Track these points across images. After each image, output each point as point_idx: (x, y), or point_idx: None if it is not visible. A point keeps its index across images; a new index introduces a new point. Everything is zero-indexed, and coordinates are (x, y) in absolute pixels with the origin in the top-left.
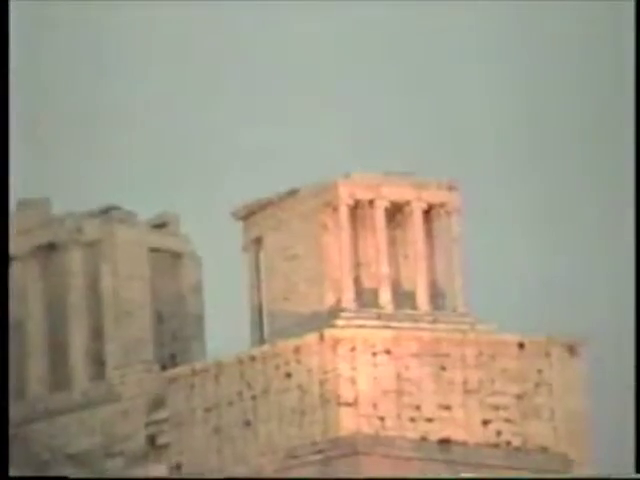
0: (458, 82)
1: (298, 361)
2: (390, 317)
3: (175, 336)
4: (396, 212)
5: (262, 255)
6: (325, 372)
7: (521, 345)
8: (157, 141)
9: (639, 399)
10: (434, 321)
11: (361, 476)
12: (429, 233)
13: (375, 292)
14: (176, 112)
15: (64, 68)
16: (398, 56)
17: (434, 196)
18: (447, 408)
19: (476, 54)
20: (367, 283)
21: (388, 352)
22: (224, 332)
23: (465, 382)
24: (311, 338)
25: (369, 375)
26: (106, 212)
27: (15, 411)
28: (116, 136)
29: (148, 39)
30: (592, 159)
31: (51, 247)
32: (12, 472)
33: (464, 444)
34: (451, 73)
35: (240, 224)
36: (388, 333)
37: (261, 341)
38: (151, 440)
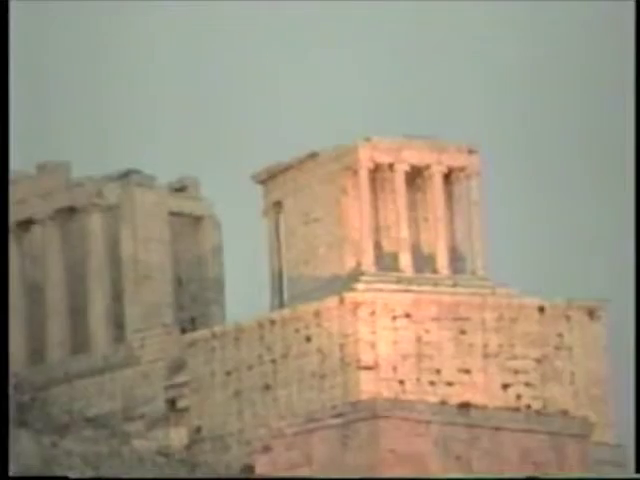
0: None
1: (318, 325)
2: (410, 281)
3: (195, 300)
4: (416, 176)
5: (282, 219)
6: (345, 336)
7: (541, 309)
8: (177, 105)
9: (639, 399)
10: (454, 285)
11: (380, 442)
12: (449, 197)
13: (395, 256)
14: (196, 76)
15: (83, 28)
16: (418, 18)
17: (454, 159)
18: (467, 372)
19: (495, 23)
20: (387, 247)
21: (408, 316)
22: (244, 296)
23: (485, 346)
24: (331, 302)
25: (389, 339)
26: (126, 176)
27: (35, 375)
28: (136, 100)
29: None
30: (597, 135)
31: (71, 211)
32: (32, 435)
33: (484, 408)
34: (471, 36)
35: (260, 188)
36: (408, 297)
37: (281, 305)
38: (171, 403)
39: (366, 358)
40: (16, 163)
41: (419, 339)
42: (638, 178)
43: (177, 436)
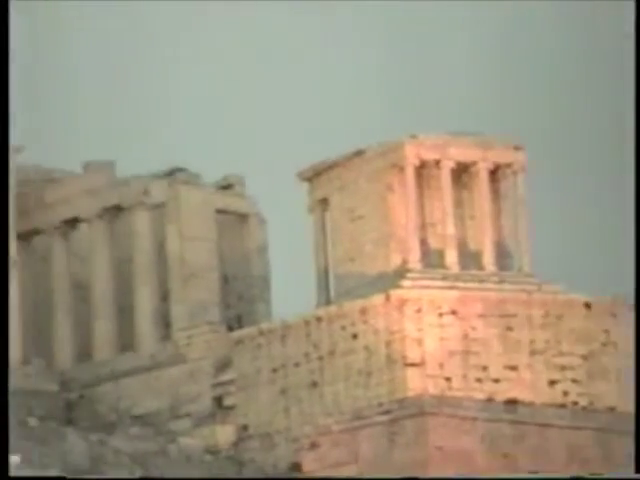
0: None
1: (364, 322)
2: (456, 278)
3: (241, 297)
4: (462, 172)
5: (328, 216)
6: (391, 333)
7: (587, 305)
8: (223, 102)
9: (639, 399)
10: (500, 282)
11: (426, 439)
12: (495, 193)
13: (441, 253)
14: (242, 73)
15: (118, 22)
16: (464, 14)
17: (500, 156)
18: (514, 368)
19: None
20: (433, 244)
21: (454, 313)
22: (290, 293)
23: (532, 342)
24: (377, 299)
25: (435, 336)
26: (172, 174)
27: (82, 373)
28: (180, 98)
29: None
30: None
31: (117, 209)
32: (79, 433)
33: (530, 404)
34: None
35: (306, 185)
36: (454, 294)
37: (327, 302)
38: (218, 401)
39: (413, 355)
40: (63, 162)
41: (465, 336)
42: None
43: (224, 434)
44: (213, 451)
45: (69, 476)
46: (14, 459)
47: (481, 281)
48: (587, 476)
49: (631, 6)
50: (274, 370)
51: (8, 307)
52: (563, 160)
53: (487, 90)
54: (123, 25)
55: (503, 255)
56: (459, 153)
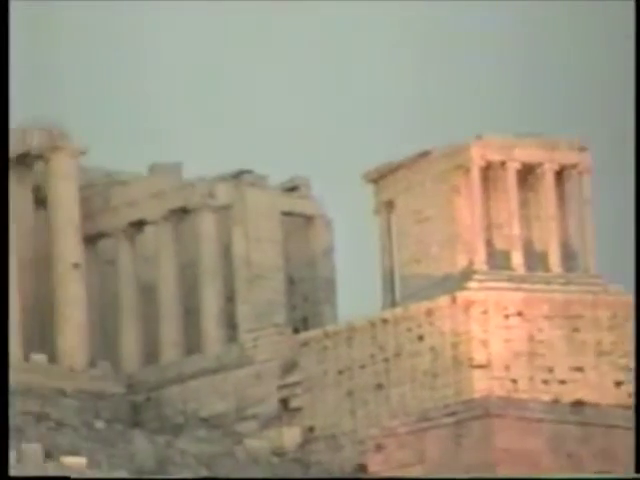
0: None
1: (430, 324)
2: (522, 279)
3: (307, 299)
4: (527, 173)
5: (393, 218)
6: (457, 334)
7: None
8: (289, 104)
9: (639, 400)
10: (566, 283)
11: (493, 440)
12: (561, 194)
13: (507, 254)
14: (308, 75)
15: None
16: (527, 14)
17: (565, 157)
18: (580, 370)
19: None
20: (499, 245)
21: (520, 314)
22: (355, 295)
23: (598, 343)
24: (443, 301)
25: (501, 337)
26: (237, 176)
27: (149, 375)
28: (248, 101)
29: None
30: None
31: (183, 211)
32: (146, 435)
33: (596, 406)
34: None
35: (371, 187)
36: (520, 295)
37: (393, 304)
38: (284, 403)
39: (479, 357)
40: (131, 164)
41: (531, 337)
42: None
43: (290, 436)
44: (279, 453)
45: (135, 477)
46: (80, 461)
47: (547, 282)
48: (589, 476)
49: (631, 6)
50: (340, 372)
51: (8, 307)
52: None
53: (549, 90)
54: (198, 25)
55: (569, 256)
56: (524, 154)
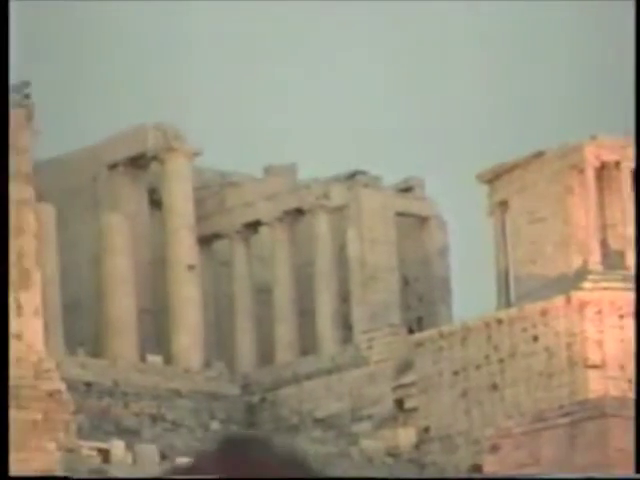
0: None
1: (545, 324)
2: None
3: (421, 299)
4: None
5: (508, 218)
6: (572, 335)
7: None
8: (403, 105)
9: (639, 400)
10: None
11: (608, 441)
12: None
13: (621, 254)
14: (420, 75)
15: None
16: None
17: None
18: None
19: None
20: (613, 245)
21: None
22: (470, 295)
23: None
24: (558, 301)
25: (616, 337)
26: (352, 177)
27: (264, 376)
28: (361, 102)
29: None
30: None
31: (298, 212)
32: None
33: None
34: None
35: (485, 187)
36: (635, 295)
37: (508, 304)
38: (399, 404)
39: (593, 357)
40: (245, 166)
41: None
42: None
43: (405, 436)
44: (394, 453)
45: None
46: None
47: None
48: (589, 476)
49: (631, 6)
50: (455, 373)
51: (8, 306)
52: None
53: None
54: (311, 26)
55: None
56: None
